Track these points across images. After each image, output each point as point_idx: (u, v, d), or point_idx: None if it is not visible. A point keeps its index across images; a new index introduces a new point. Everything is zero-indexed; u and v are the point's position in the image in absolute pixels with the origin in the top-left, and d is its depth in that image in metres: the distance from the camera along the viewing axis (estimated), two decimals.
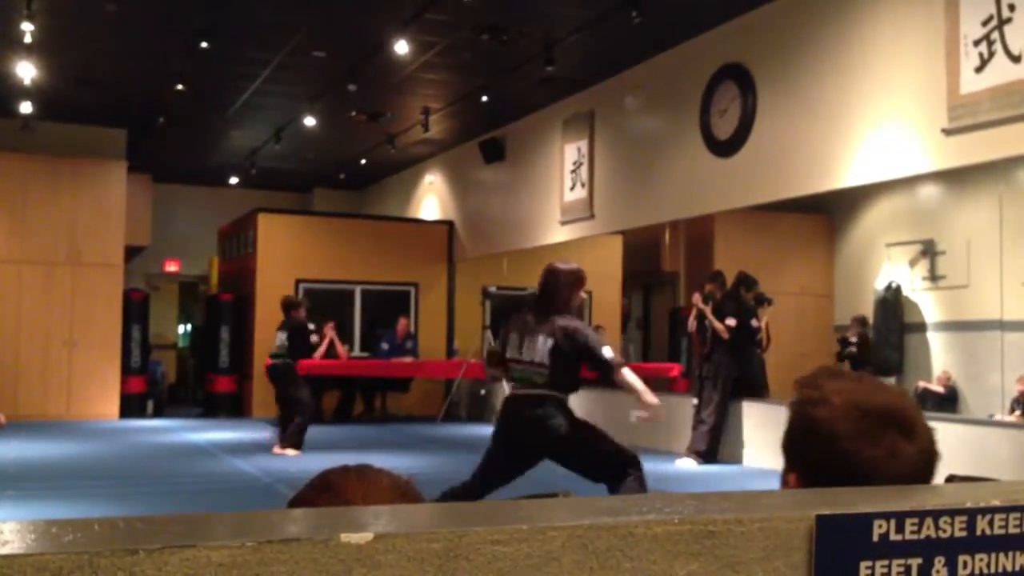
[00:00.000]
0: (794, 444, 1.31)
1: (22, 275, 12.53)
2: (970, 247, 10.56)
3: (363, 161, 15.12)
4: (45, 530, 0.69)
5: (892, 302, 11.34)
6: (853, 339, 11.02)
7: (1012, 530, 0.88)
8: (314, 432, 9.88)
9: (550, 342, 4.81)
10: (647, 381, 5.13)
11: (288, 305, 9.91)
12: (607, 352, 4.80)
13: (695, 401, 9.10)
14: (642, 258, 13.50)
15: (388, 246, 14.22)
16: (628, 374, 4.81)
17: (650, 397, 4.88)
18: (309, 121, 12.31)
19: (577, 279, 4.95)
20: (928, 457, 1.29)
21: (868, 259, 11.93)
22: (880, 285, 11.49)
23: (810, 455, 1.29)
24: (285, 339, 9.57)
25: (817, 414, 1.27)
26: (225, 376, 13.89)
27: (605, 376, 4.82)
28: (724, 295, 9.24)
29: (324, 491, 1.17)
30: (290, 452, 9.17)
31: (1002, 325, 10.08)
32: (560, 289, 4.91)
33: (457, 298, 14.54)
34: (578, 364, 4.87)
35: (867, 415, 1.26)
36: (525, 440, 4.97)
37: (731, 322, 8.96)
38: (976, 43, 6.61)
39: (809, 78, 8.21)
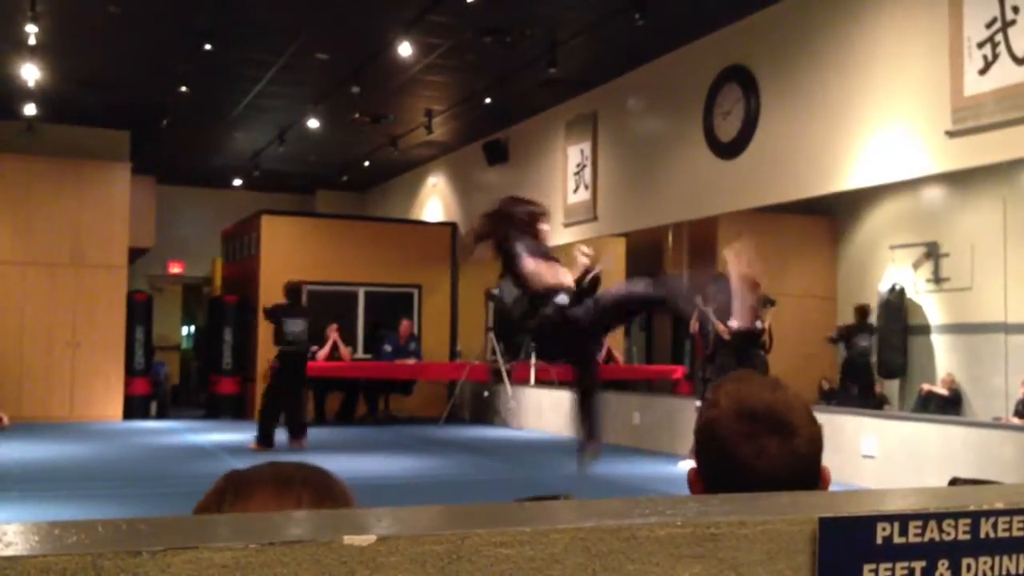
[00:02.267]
0: (695, 442, 1.46)
1: (26, 276, 12.55)
2: (974, 250, 10.54)
3: (366, 163, 15.13)
4: (48, 531, 0.69)
5: (896, 304, 11.32)
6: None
7: (1016, 533, 0.88)
8: (316, 433, 9.93)
9: None
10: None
11: (297, 289, 9.81)
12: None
13: (698, 403, 9.10)
14: (645, 260, 13.48)
15: (391, 248, 14.23)
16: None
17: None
18: (312, 123, 12.33)
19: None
20: (802, 458, 1.36)
21: (872, 261, 11.90)
22: (884, 287, 11.48)
23: (702, 452, 1.44)
24: (306, 326, 9.54)
25: (709, 415, 1.41)
26: (228, 378, 13.91)
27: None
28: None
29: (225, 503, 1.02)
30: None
31: (1006, 328, 10.06)
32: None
33: (460, 300, 14.54)
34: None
35: (743, 415, 1.36)
36: None
37: (734, 324, 8.96)
38: (980, 45, 6.61)
39: (812, 80, 8.21)
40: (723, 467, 1.38)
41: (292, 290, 9.86)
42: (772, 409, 1.36)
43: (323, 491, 1.04)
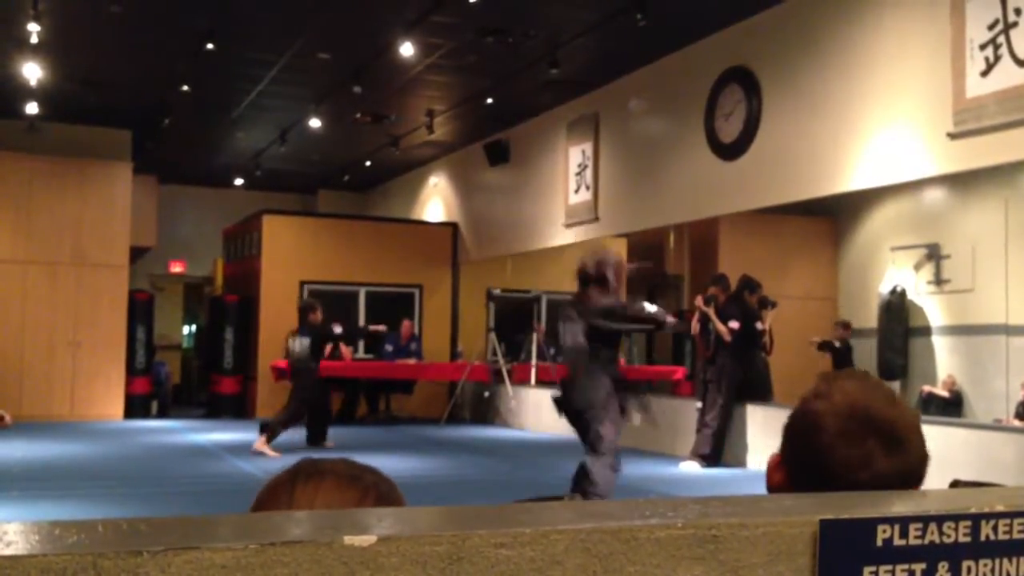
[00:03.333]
0: (788, 427, 1.35)
1: (27, 275, 12.56)
2: (975, 251, 10.55)
3: (368, 163, 15.14)
4: (49, 531, 0.69)
5: (897, 306, 11.32)
6: (837, 344, 11.03)
7: (1016, 535, 0.88)
8: None
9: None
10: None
11: (303, 309, 10.08)
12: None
13: (699, 404, 9.09)
14: (646, 261, 13.49)
15: (392, 248, 14.23)
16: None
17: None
18: (314, 123, 12.33)
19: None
20: (907, 478, 1.26)
21: (873, 263, 11.91)
22: (885, 289, 11.48)
23: (795, 440, 1.32)
24: (307, 344, 9.75)
25: (814, 406, 1.30)
26: (229, 377, 13.91)
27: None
28: (728, 298, 9.23)
29: (272, 499, 1.06)
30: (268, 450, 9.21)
31: (1007, 329, 10.07)
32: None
33: (461, 300, 14.54)
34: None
35: (856, 417, 1.26)
36: None
37: (734, 325, 8.95)
38: (982, 47, 6.61)
39: (814, 81, 8.21)
40: (817, 465, 1.26)
41: (299, 310, 10.23)
42: (890, 421, 1.26)
43: (388, 497, 1.08)
